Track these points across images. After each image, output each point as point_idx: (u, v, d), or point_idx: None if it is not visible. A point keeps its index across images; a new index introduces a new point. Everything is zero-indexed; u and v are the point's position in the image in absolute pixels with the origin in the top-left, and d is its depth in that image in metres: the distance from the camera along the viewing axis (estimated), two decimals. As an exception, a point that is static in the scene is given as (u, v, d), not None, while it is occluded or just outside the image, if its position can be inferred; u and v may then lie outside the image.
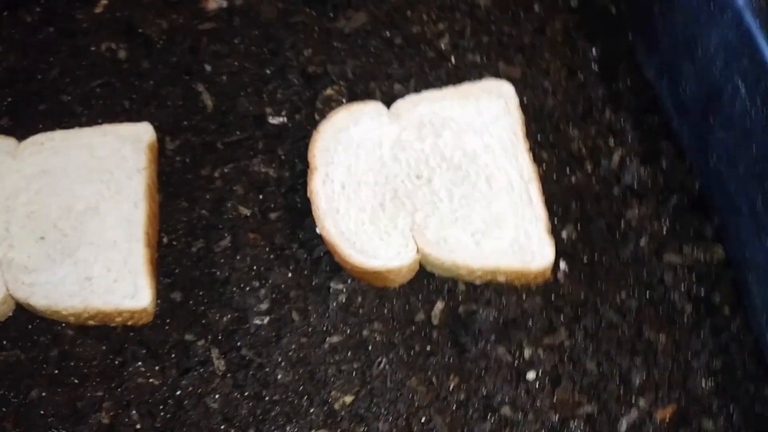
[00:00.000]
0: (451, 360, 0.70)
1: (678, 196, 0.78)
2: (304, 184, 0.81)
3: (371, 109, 0.81)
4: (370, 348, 0.70)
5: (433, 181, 0.76)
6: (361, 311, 0.72)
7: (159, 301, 0.74)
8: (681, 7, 0.80)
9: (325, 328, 0.71)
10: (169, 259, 0.77)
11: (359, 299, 0.72)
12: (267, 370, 0.69)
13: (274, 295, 0.73)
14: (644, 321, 0.71)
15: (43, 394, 0.69)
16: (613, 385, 0.68)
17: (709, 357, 0.69)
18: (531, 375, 0.69)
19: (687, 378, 0.68)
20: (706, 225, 0.76)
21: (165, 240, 0.78)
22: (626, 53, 0.89)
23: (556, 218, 0.76)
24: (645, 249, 0.75)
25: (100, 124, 0.84)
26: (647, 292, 0.73)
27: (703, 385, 0.68)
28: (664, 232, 0.76)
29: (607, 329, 0.71)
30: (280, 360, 0.70)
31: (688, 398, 0.67)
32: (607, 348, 0.70)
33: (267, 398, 0.68)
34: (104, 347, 0.72)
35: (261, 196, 0.81)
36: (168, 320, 0.74)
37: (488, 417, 0.67)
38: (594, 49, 0.89)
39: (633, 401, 0.67)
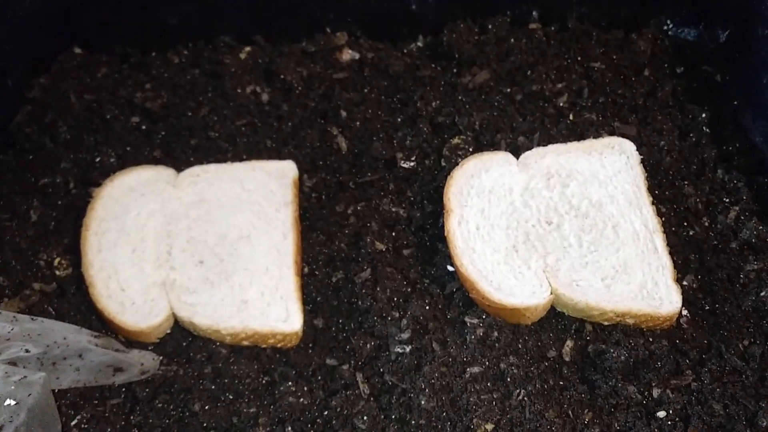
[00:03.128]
0: (583, 395, 0.74)
1: (792, 253, 0.82)
2: (433, 225, 0.87)
3: (501, 158, 0.87)
4: (508, 379, 0.74)
5: (563, 227, 0.81)
6: (497, 345, 0.76)
7: (303, 325, 0.79)
8: (794, 78, 0.86)
9: (464, 359, 0.76)
10: (311, 287, 0.83)
11: (495, 334, 0.77)
12: (411, 395, 0.74)
13: (413, 326, 0.78)
14: (767, 367, 0.75)
15: (205, 407, 0.74)
16: (741, 426, 0.71)
17: (832, 405, 0.73)
18: (661, 414, 0.72)
19: (812, 424, 0.72)
20: (821, 281, 0.80)
21: (306, 270, 0.84)
22: (732, 117, 0.95)
23: (676, 268, 0.81)
24: (765, 299, 0.79)
25: (245, 160, 0.91)
26: (768, 341, 0.77)
27: (829, 431, 0.71)
28: (782, 286, 0.80)
29: (732, 373, 0.75)
30: (423, 387, 0.74)
31: (814, 444, 0.71)
32: (733, 391, 0.73)
33: (412, 422, 0.72)
34: (256, 366, 0.77)
35: (393, 234, 0.87)
36: (311, 345, 0.79)
37: (624, 451, 0.71)
38: (702, 113, 0.95)
39: (761, 444, 0.71)
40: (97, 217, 0.82)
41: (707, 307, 0.79)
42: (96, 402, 0.75)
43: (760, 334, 0.77)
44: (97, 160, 0.91)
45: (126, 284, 0.78)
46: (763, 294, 0.79)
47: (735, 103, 0.96)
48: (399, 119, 0.95)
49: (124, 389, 0.76)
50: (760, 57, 0.94)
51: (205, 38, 1.02)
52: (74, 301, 0.81)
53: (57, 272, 0.83)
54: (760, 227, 0.83)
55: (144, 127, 0.95)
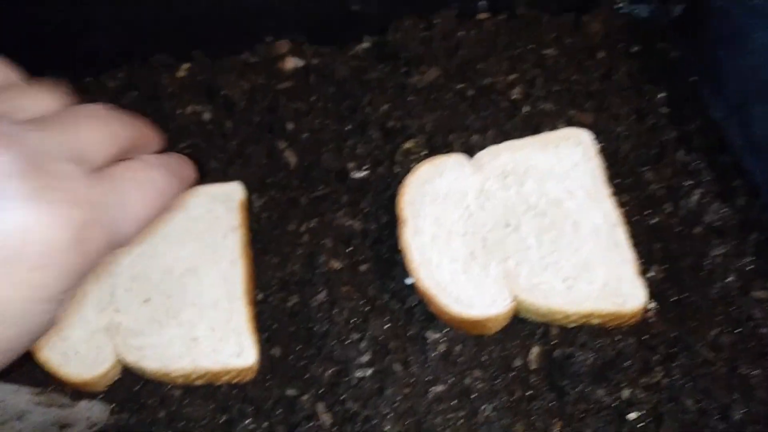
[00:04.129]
0: (552, 404, 0.72)
1: (757, 234, 0.80)
2: (389, 236, 0.84)
3: (454, 161, 0.83)
4: (473, 396, 0.72)
5: (521, 229, 0.78)
6: (460, 360, 0.74)
7: (259, 357, 0.76)
8: (752, 51, 0.83)
9: (427, 378, 0.73)
10: (265, 315, 0.80)
11: (458, 348, 0.74)
12: (374, 422, 0.71)
13: (374, 347, 0.75)
14: (738, 357, 0.72)
15: (160, 456, 0.71)
16: (714, 421, 0.69)
17: (807, 391, 0.70)
18: (632, 415, 0.70)
19: (787, 413, 0.70)
20: (790, 262, 0.78)
21: (260, 296, 0.81)
22: (691, 95, 0.92)
23: (641, 259, 0.78)
24: (732, 286, 0.76)
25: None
26: (738, 328, 0.74)
27: (805, 419, 0.69)
28: (748, 269, 0.77)
29: (702, 366, 0.72)
30: (386, 412, 0.71)
31: (790, 433, 0.69)
32: (705, 385, 0.71)
33: (377, 449, 0.70)
34: (211, 406, 0.74)
35: (349, 249, 0.84)
36: (269, 376, 0.76)
37: (597, 459, 0.68)
38: (660, 93, 0.92)
39: (737, 438, 0.68)
40: (35, 263, 0.79)
41: (674, 298, 0.77)
42: (48, 458, 0.72)
43: (729, 322, 0.75)
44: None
45: (67, 333, 0.75)
46: (729, 280, 0.77)
47: (693, 79, 0.93)
48: (348, 127, 0.92)
49: (76, 441, 0.73)
50: (716, 30, 0.91)
51: (140, 59, 0.98)
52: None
53: None
54: (724, 209, 0.81)
55: (82, 160, 0.91)
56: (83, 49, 0.96)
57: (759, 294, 0.75)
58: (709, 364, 0.72)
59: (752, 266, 0.77)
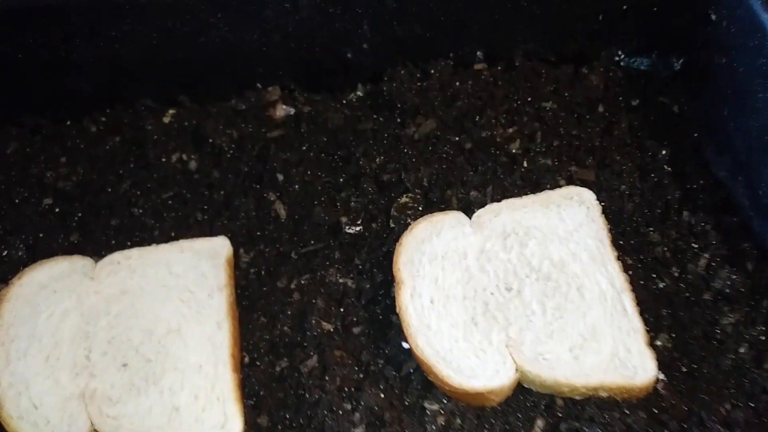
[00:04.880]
0: (559, 484, 0.67)
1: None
2: (385, 296, 0.80)
3: (452, 218, 0.80)
4: (476, 475, 0.67)
5: (524, 293, 0.75)
6: (461, 434, 0.69)
7: (245, 427, 0.71)
8: (757, 110, 0.81)
9: (426, 455, 0.68)
10: (252, 380, 0.75)
11: (458, 421, 0.70)
12: (369, 502, 0.66)
13: (368, 419, 0.70)
14: (753, 435, 0.69)
15: None
16: (731, 506, 0.65)
17: (827, 473, 0.67)
18: (645, 499, 0.66)
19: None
20: (802, 331, 0.75)
21: (247, 359, 0.76)
22: (694, 152, 0.90)
23: (648, 326, 0.74)
24: (744, 357, 0.73)
25: (173, 237, 0.83)
26: (751, 402, 0.70)
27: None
28: (761, 338, 0.74)
29: (717, 445, 0.68)
30: (383, 491, 0.66)
31: None
32: (720, 465, 0.67)
33: None
34: (193, 481, 0.68)
35: (342, 309, 0.79)
36: (256, 447, 0.71)
37: None
38: (662, 150, 0.89)
39: None
40: (3, 324, 0.73)
41: (684, 369, 0.73)
42: None
43: (742, 395, 0.71)
44: (4, 254, 0.82)
45: (39, 400, 0.69)
46: (741, 351, 0.73)
47: (695, 135, 0.91)
48: (341, 179, 0.88)
49: None
50: (718, 86, 0.89)
51: (124, 102, 0.93)
52: (-17, 421, 0.71)
53: (-38, 389, 0.73)
54: (733, 276, 0.78)
55: (57, 210, 0.86)
56: (64, 90, 0.92)
57: (774, 366, 0.72)
58: (723, 441, 0.68)
59: (765, 335, 0.74)
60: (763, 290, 0.77)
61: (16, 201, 0.86)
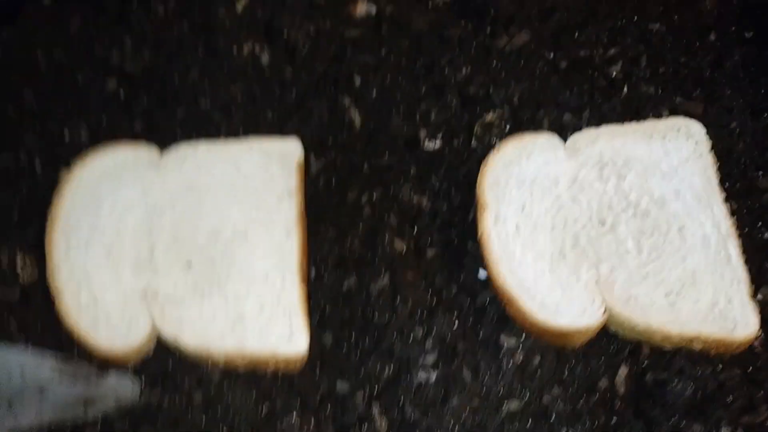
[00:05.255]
0: (641, 436, 0.63)
1: None
2: (462, 220, 0.74)
3: (545, 141, 0.73)
4: (552, 417, 0.63)
5: (619, 229, 0.69)
6: (539, 374, 0.65)
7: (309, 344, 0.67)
8: None
9: (500, 391, 0.64)
10: (318, 295, 0.70)
11: (537, 359, 0.66)
12: (437, 432, 0.63)
13: (440, 347, 0.67)
14: None
15: (194, 445, 0.63)
16: (824, 476, 0.61)
17: None
18: (731, 458, 0.62)
19: None
20: None
21: (313, 272, 0.72)
22: (814, 93, 0.81)
23: (750, 278, 0.68)
24: None
25: (241, 134, 0.77)
26: None
27: None
28: None
29: (814, 411, 0.64)
30: (451, 423, 0.63)
31: None
32: (816, 434, 0.63)
33: (439, 467, 0.62)
34: (254, 395, 0.65)
35: (415, 230, 0.74)
36: (319, 366, 0.67)
37: (689, 507, 0.60)
38: (781, 87, 0.81)
39: None
40: (65, 209, 0.69)
41: (786, 328, 0.68)
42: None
43: None
44: (67, 135, 0.77)
45: (100, 294, 0.66)
46: None
47: (819, 75, 0.82)
48: (423, 89, 0.81)
49: (99, 422, 0.64)
50: None
51: (195, -15, 0.86)
52: (42, 311, 0.68)
53: (20, 274, 0.70)
54: None
55: (123, 94, 0.80)
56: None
57: None
58: (821, 408, 0.63)
59: None
60: None
61: (80, 82, 0.81)
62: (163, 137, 0.77)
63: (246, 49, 0.83)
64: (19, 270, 0.70)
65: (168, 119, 0.79)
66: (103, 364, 0.65)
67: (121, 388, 0.63)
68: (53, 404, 0.59)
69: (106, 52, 0.83)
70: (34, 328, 0.67)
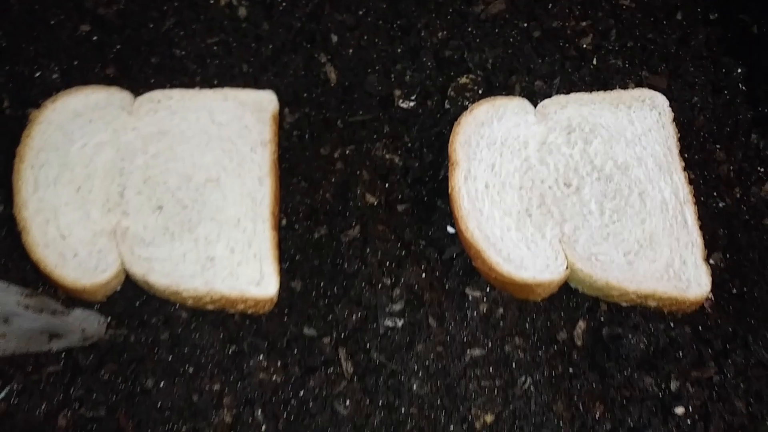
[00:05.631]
0: (594, 385, 0.66)
1: (828, 234, 0.74)
2: (432, 177, 0.76)
3: (516, 105, 0.75)
4: (513, 365, 0.65)
5: (583, 191, 0.71)
6: (502, 324, 0.67)
7: (279, 290, 0.68)
8: None
9: (464, 339, 0.66)
10: (288, 243, 0.71)
11: (500, 310, 0.68)
12: (401, 378, 0.64)
13: (407, 296, 0.68)
14: (796, 364, 0.67)
15: (160, 384, 0.63)
16: (764, 428, 0.65)
17: None
18: (679, 410, 0.65)
19: (841, 429, 0.65)
20: None
21: (284, 222, 0.72)
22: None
23: (704, 245, 0.72)
24: (799, 286, 0.71)
25: (216, 86, 0.77)
26: (799, 332, 0.69)
27: None
28: (819, 270, 0.72)
29: (758, 367, 0.67)
30: (415, 368, 0.65)
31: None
32: (758, 387, 0.66)
33: (402, 409, 0.63)
34: (221, 335, 0.66)
35: (387, 185, 0.75)
36: (287, 311, 0.68)
37: (637, 452, 0.63)
38: (738, 68, 0.84)
39: (786, 449, 0.64)
40: (34, 147, 0.68)
41: (735, 291, 0.71)
42: (30, 370, 0.63)
43: (791, 324, 0.69)
44: (37, 75, 0.76)
45: (68, 231, 0.65)
46: (797, 279, 0.71)
47: (773, 58, 0.86)
48: (399, 49, 0.82)
49: (63, 355, 0.64)
50: (809, 8, 0.83)
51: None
52: (6, 246, 0.68)
53: (-16, 209, 0.69)
54: (798, 202, 0.75)
55: (95, 38, 0.80)
56: None
57: (826, 297, 0.70)
58: (765, 366, 0.67)
59: (822, 267, 0.72)
60: (825, 223, 0.75)
61: (52, 23, 0.79)
62: (135, 83, 0.77)
63: (223, 0, 0.83)
64: (-17, 205, 0.69)
65: (141, 66, 0.79)
66: (69, 299, 0.64)
67: (87, 323, 0.63)
68: (18, 335, 0.59)
69: (79, -5, 0.82)
70: (-1, 262, 0.66)
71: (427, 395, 0.64)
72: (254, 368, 0.65)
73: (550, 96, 0.77)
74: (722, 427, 0.64)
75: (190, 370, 0.64)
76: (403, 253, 0.71)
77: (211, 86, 0.77)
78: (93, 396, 0.62)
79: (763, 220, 0.74)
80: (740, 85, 0.83)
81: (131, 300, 0.67)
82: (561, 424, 0.63)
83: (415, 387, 0.64)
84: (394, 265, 0.70)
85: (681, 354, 0.67)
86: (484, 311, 0.67)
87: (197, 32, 0.81)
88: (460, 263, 0.70)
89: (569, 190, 0.71)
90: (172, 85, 0.76)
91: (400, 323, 0.67)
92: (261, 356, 0.65)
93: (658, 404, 0.65)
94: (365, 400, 0.64)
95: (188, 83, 0.77)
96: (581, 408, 0.64)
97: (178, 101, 0.73)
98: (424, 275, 0.70)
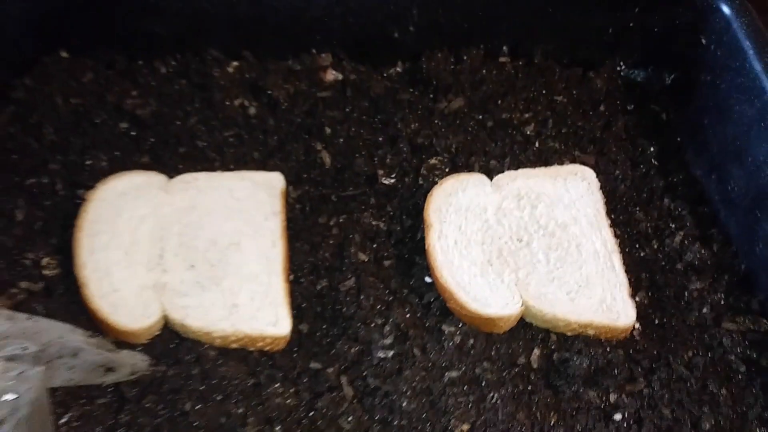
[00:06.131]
0: (549, 399, 0.81)
1: (728, 276, 0.92)
2: (411, 238, 0.93)
3: (476, 179, 0.94)
4: (483, 383, 0.80)
5: (532, 245, 0.89)
6: (472, 351, 0.83)
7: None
8: (733, 121, 0.97)
9: (443, 364, 0.81)
10: (296, 294, 0.87)
11: (471, 341, 0.83)
12: (393, 398, 0.79)
13: (395, 332, 0.83)
14: (708, 377, 0.84)
15: (196, 407, 0.76)
16: (686, 430, 0.80)
17: (762, 409, 0.82)
18: (618, 416, 0.80)
19: (744, 426, 0.81)
20: (752, 300, 0.90)
21: (292, 277, 0.88)
22: (676, 152, 1.06)
23: (630, 285, 0.89)
24: (706, 316, 0.88)
25: (233, 169, 0.95)
26: (709, 352, 0.86)
27: (759, 432, 0.81)
28: (722, 303, 0.90)
29: (678, 382, 0.83)
30: (404, 389, 0.79)
31: (747, 445, 0.80)
32: (679, 397, 0.82)
33: (395, 423, 0.77)
34: (243, 369, 0.80)
35: (375, 245, 0.92)
36: (296, 349, 0.83)
37: (585, 450, 0.78)
38: (651, 147, 1.05)
39: (704, 446, 0.79)
40: (89, 219, 0.84)
41: (656, 321, 0.88)
42: (83, 401, 0.76)
43: (702, 346, 0.86)
44: (87, 163, 0.92)
45: (119, 285, 0.80)
46: (704, 311, 0.89)
47: (679, 139, 1.07)
48: (380, 138, 1.01)
49: (111, 389, 0.77)
50: (702, 99, 1.05)
51: (193, 50, 1.05)
52: (62, 301, 0.82)
53: (45, 272, 0.84)
54: (702, 251, 0.93)
55: (133, 134, 0.97)
56: (139, 31, 1.03)
57: (729, 326, 0.87)
58: (684, 381, 0.83)
59: (724, 302, 0.90)
60: (725, 266, 0.93)
61: (97, 121, 0.97)
62: (167, 169, 0.93)
63: (236, 102, 1.01)
64: (43, 268, 0.84)
65: (171, 155, 0.96)
66: (118, 341, 0.78)
67: (135, 360, 0.76)
68: (82, 368, 0.72)
69: (117, 99, 1.00)
70: (57, 313, 0.80)
71: (415, 410, 0.78)
72: (271, 394, 0.78)
73: (502, 171, 0.96)
74: (653, 428, 0.79)
75: (219, 397, 0.78)
76: (391, 298, 0.87)
77: (229, 170, 0.94)
78: (138, 420, 0.75)
79: (676, 265, 0.93)
80: (653, 160, 1.04)
81: (167, 342, 0.81)
82: (523, 430, 0.78)
83: (404, 404, 0.78)
84: (383, 308, 0.85)
85: (616, 372, 0.83)
86: (458, 341, 0.83)
87: (216, 127, 0.99)
88: (437, 305, 0.87)
89: (521, 244, 0.89)
90: (197, 170, 0.93)
91: (390, 354, 0.82)
92: (277, 384, 0.79)
93: (601, 413, 0.80)
94: (364, 416, 0.78)
95: (210, 168, 0.94)
96: (539, 417, 0.79)
97: (204, 182, 0.90)
98: (408, 315, 0.85)
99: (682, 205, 0.99)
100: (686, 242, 0.95)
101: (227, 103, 1.01)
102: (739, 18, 0.98)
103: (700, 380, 0.83)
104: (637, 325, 0.87)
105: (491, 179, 0.94)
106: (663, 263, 0.93)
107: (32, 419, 0.64)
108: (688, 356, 0.85)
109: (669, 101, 1.11)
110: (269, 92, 1.02)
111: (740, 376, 0.84)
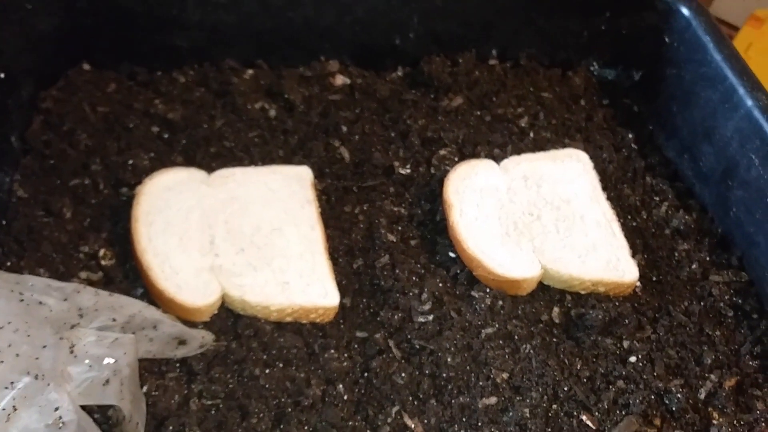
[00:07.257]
0: (573, 349, 0.90)
1: (708, 238, 1.05)
2: (431, 220, 1.02)
3: (485, 164, 1.04)
4: (515, 338, 0.89)
5: (542, 218, 0.99)
6: (502, 312, 0.92)
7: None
8: (699, 107, 1.11)
9: (478, 323, 0.90)
10: (336, 272, 0.94)
11: (499, 302, 0.92)
12: (438, 354, 0.86)
13: (432, 299, 0.92)
14: (703, 321, 0.95)
15: (265, 371, 0.82)
16: (692, 365, 0.91)
17: (751, 345, 0.94)
18: (632, 359, 0.90)
19: (739, 360, 0.92)
20: (731, 257, 1.03)
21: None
22: (650, 138, 1.20)
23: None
24: (696, 271, 1.00)
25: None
26: (702, 301, 0.98)
27: (751, 363, 0.92)
28: (707, 260, 1.02)
29: (679, 327, 0.94)
30: (447, 347, 0.87)
31: (742, 373, 0.91)
32: (682, 340, 0.93)
33: (443, 375, 0.85)
34: (299, 339, 0.87)
35: (399, 228, 1.01)
36: (342, 320, 0.90)
37: (609, 387, 0.87)
38: (629, 134, 1.19)
39: (707, 376, 0.90)
40: (143, 210, 0.89)
41: (654, 278, 1.00)
42: (156, 375, 0.81)
43: (695, 297, 0.98)
44: (129, 162, 0.98)
45: (179, 268, 0.86)
46: (693, 267, 1.01)
47: (650, 127, 1.21)
48: (392, 134, 1.10)
49: (178, 364, 0.82)
50: (669, 91, 1.19)
51: (210, 60, 1.12)
52: (123, 288, 0.87)
53: (102, 262, 0.88)
54: (685, 218, 1.06)
55: (165, 136, 1.03)
56: (162, 44, 1.09)
57: (715, 278, 1.00)
58: (684, 326, 0.95)
59: (708, 259, 1.02)
60: (704, 231, 1.06)
61: (130, 126, 1.03)
62: (201, 167, 1.00)
63: (257, 105, 1.09)
64: (100, 259, 0.88)
65: (203, 155, 1.02)
66: (181, 319, 0.84)
67: (203, 334, 0.82)
68: (160, 339, 0.77)
69: (144, 106, 1.06)
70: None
71: (459, 364, 0.86)
72: (328, 359, 0.85)
73: (506, 158, 1.07)
74: (663, 366, 0.90)
75: (281, 365, 0.84)
76: (423, 271, 0.95)
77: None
78: (212, 388, 0.81)
79: (665, 231, 1.05)
80: (632, 145, 1.17)
81: (225, 320, 0.87)
82: (555, 374, 0.87)
83: (449, 359, 0.86)
84: (417, 279, 0.94)
85: (627, 322, 0.93)
86: (489, 303, 0.92)
87: (240, 129, 1.06)
88: (463, 276, 0.95)
89: (533, 218, 0.99)
90: (230, 167, 1.00)
91: (430, 318, 0.90)
92: (332, 350, 0.86)
93: (618, 357, 0.90)
94: (415, 372, 0.85)
95: (241, 165, 1.01)
96: (567, 363, 0.89)
97: (241, 176, 0.97)
98: (440, 285, 0.94)
99: (662, 182, 1.12)
100: (670, 212, 1.08)
101: (248, 106, 1.08)
102: (698, 17, 1.13)
103: (697, 325, 0.95)
104: (638, 283, 0.98)
105: (498, 164, 1.05)
106: (653, 230, 1.05)
107: (132, 381, 0.69)
108: (685, 305, 0.97)
109: (639, 95, 1.25)
110: (286, 96, 1.10)
111: (730, 320, 0.97)
